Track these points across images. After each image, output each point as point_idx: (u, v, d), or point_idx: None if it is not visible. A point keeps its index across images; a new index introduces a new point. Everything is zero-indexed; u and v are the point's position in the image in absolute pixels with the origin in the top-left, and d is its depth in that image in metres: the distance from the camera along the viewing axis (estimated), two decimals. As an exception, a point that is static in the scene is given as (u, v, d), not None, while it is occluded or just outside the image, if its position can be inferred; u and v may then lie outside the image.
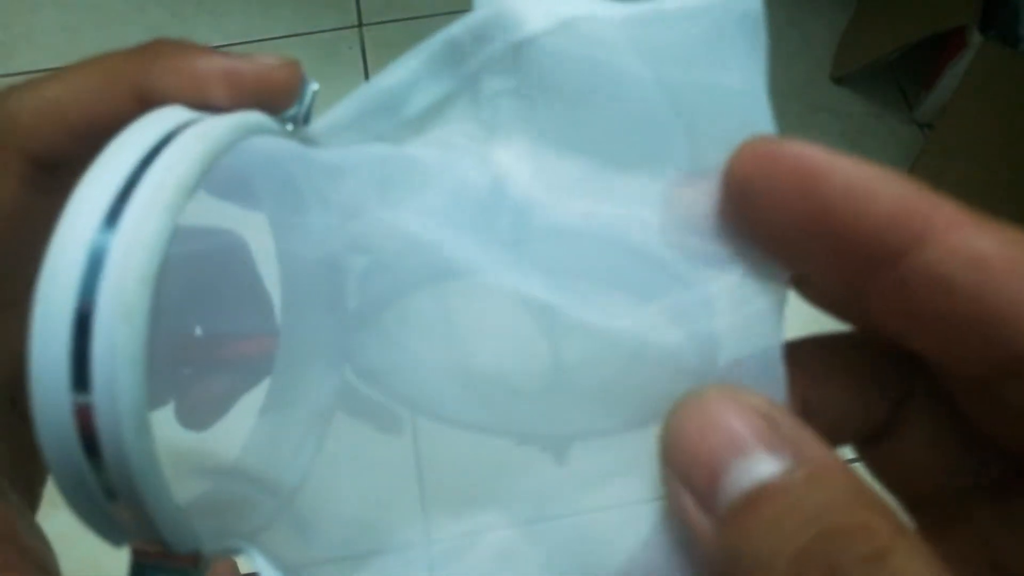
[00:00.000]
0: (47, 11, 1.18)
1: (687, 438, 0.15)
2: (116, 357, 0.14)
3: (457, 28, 0.18)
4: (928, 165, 0.98)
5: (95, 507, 0.15)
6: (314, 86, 0.20)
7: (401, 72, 0.19)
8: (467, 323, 0.20)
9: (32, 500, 0.22)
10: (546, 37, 0.17)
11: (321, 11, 1.18)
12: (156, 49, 0.19)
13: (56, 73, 0.19)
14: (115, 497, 0.15)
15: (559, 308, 0.17)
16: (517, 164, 0.18)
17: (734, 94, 0.17)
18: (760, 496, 0.14)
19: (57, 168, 0.19)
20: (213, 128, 0.17)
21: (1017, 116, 0.90)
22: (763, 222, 0.16)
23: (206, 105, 0.18)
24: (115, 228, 0.14)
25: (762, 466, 0.14)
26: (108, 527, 0.16)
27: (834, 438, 0.17)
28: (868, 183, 0.14)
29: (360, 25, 1.17)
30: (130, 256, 0.14)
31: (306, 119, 0.20)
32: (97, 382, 0.14)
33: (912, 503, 0.18)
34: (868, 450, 0.18)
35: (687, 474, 0.15)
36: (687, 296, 0.16)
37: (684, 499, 0.15)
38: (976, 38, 0.96)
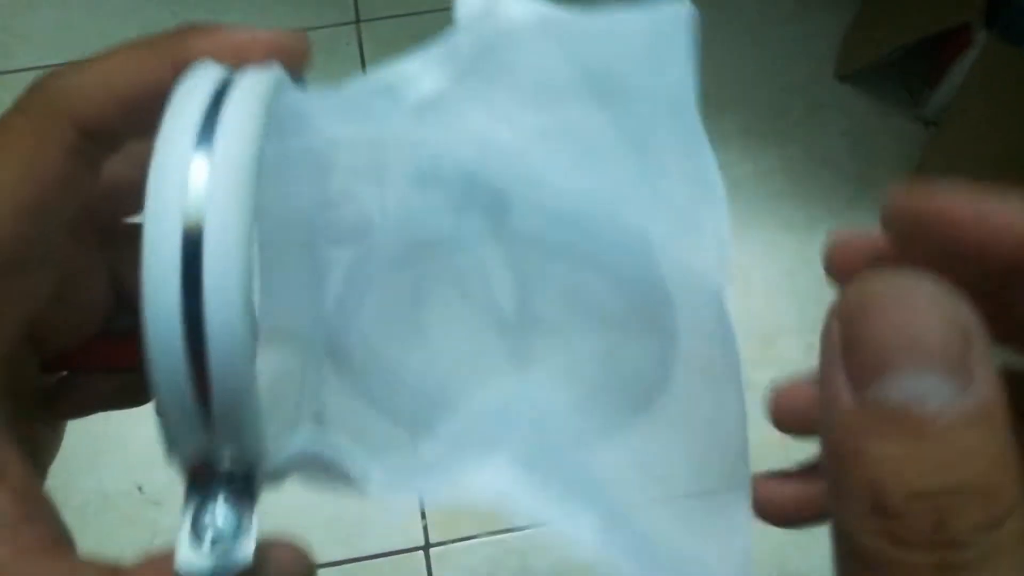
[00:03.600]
0: (46, 10, 1.18)
1: (875, 323, 0.14)
2: (231, 256, 0.15)
3: (458, 31, 0.21)
4: (934, 163, 0.98)
5: (182, 395, 0.16)
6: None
7: (402, 67, 0.22)
8: (439, 332, 0.22)
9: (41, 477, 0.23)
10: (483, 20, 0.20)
11: (318, 7, 1.17)
12: (186, 27, 0.21)
13: (99, 54, 0.20)
14: (206, 386, 0.15)
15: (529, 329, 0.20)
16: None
17: (661, 86, 0.19)
18: (913, 416, 0.13)
19: (102, 139, 0.20)
20: (272, 74, 0.19)
21: (1023, 113, 0.89)
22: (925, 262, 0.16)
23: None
24: (210, 150, 0.16)
25: (934, 387, 0.13)
26: (184, 421, 0.16)
27: None
28: (1003, 219, 0.16)
29: (358, 21, 1.16)
30: (233, 177, 0.16)
31: None
32: (210, 270, 0.15)
33: None
34: None
35: (852, 351, 0.14)
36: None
37: (836, 368, 0.14)
38: (982, 35, 0.96)
